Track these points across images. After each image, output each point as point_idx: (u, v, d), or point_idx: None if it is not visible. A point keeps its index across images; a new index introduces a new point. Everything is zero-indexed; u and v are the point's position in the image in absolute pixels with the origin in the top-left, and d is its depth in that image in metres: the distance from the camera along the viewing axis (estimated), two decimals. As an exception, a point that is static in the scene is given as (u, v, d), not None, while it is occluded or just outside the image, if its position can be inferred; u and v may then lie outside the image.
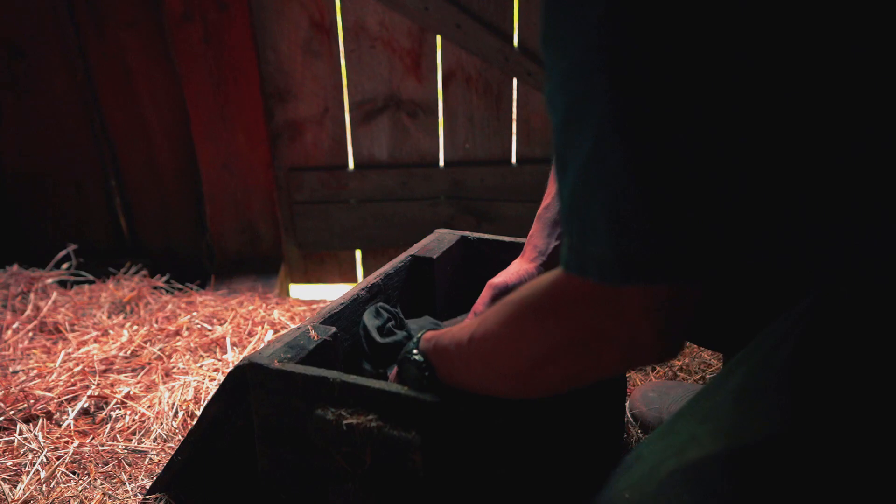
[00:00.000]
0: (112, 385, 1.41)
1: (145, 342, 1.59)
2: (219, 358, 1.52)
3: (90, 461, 1.19)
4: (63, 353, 1.52)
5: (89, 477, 1.15)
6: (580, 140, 0.53)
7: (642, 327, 0.56)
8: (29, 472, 1.15)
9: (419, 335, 0.83)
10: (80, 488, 1.11)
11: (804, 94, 0.49)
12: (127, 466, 1.18)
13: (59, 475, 1.15)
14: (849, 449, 0.59)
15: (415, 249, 1.17)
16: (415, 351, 0.81)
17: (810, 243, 0.54)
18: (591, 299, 0.57)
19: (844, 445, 0.59)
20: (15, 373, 1.46)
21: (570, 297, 0.59)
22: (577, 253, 0.56)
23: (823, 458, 0.60)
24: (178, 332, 1.64)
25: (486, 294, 1.04)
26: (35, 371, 1.45)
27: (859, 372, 0.59)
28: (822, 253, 0.54)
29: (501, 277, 1.05)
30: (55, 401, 1.35)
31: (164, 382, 1.43)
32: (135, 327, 1.66)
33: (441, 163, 2.12)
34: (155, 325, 1.67)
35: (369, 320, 1.03)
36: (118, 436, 1.27)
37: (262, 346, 1.37)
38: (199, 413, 1.28)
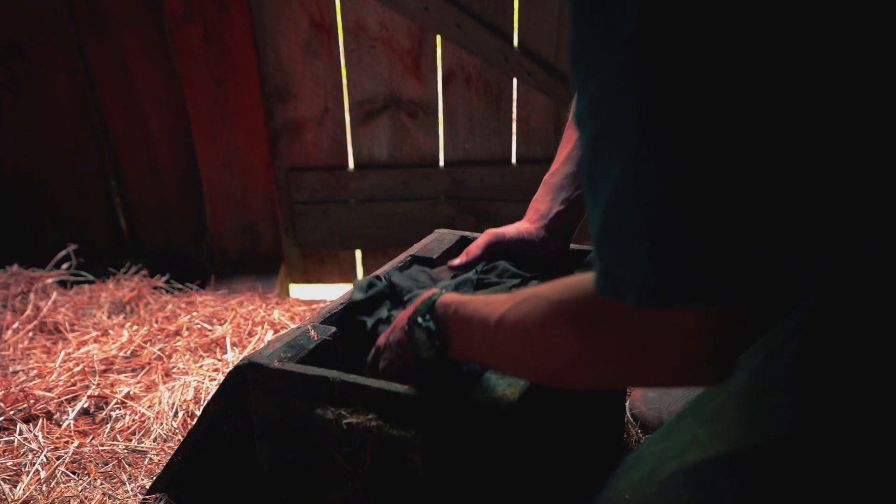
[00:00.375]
0: (112, 385, 1.42)
1: (145, 342, 1.59)
2: (219, 358, 1.52)
3: (90, 461, 1.19)
4: (63, 353, 1.53)
5: (89, 477, 1.15)
6: (611, 162, 0.52)
7: (689, 349, 0.54)
8: (29, 472, 1.15)
9: (431, 295, 0.78)
10: (80, 488, 1.11)
11: (840, 114, 0.47)
12: (127, 466, 1.18)
13: (59, 475, 1.15)
14: (853, 451, 0.59)
15: (415, 249, 1.17)
16: (427, 316, 0.77)
17: (834, 254, 0.53)
18: (631, 322, 0.56)
19: (848, 447, 0.59)
20: (15, 373, 1.46)
21: (610, 316, 0.57)
22: (611, 278, 0.54)
23: (826, 461, 0.59)
24: (178, 332, 1.64)
25: (481, 240, 1.05)
26: (35, 371, 1.45)
27: (863, 373, 0.59)
28: (838, 259, 0.54)
29: (500, 229, 1.05)
30: (55, 401, 1.35)
31: (164, 382, 1.43)
32: (135, 327, 1.66)
33: (441, 163, 2.12)
34: (155, 325, 1.67)
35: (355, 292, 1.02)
36: (118, 436, 1.27)
37: (262, 345, 1.37)
38: (199, 413, 1.28)
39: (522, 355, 0.68)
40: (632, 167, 0.50)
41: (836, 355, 0.61)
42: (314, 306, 1.84)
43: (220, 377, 1.43)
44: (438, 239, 1.22)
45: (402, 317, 0.85)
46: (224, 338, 1.60)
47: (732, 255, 0.50)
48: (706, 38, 0.46)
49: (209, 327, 1.66)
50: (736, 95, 0.46)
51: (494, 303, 0.70)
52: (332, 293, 2.27)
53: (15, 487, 1.12)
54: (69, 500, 1.09)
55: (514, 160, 2.10)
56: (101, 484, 1.13)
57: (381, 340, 0.91)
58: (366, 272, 2.27)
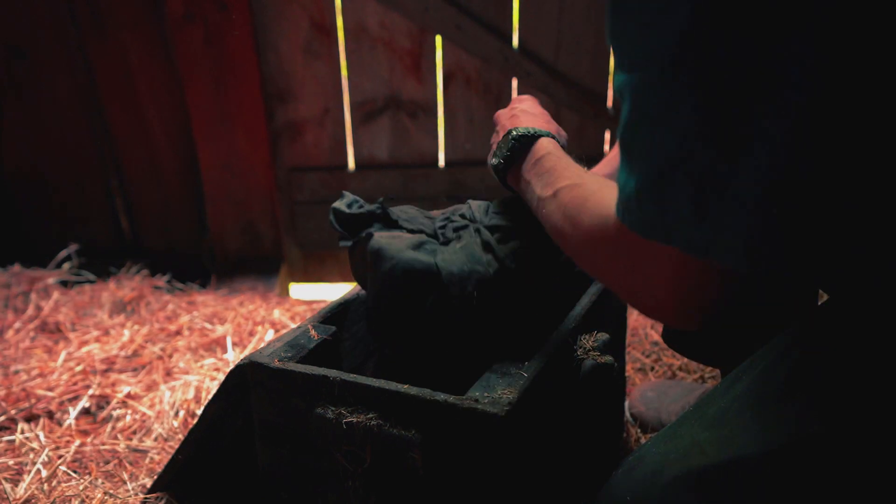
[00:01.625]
0: (113, 384, 1.42)
1: (146, 342, 1.59)
2: (219, 357, 1.53)
3: (91, 460, 1.20)
4: (64, 352, 1.53)
5: (90, 476, 1.16)
6: (654, 129, 0.57)
7: (665, 284, 0.61)
8: (30, 471, 1.16)
9: (539, 130, 0.89)
10: (81, 487, 1.12)
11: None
12: (128, 465, 1.19)
13: (60, 474, 1.16)
14: (860, 460, 0.59)
15: None
16: (517, 136, 0.89)
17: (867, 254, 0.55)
18: (636, 248, 0.62)
19: (855, 456, 0.59)
20: (16, 372, 1.46)
21: (619, 242, 0.65)
22: (658, 226, 0.59)
23: (832, 470, 0.59)
24: (178, 332, 1.65)
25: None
26: (36, 370, 1.46)
27: (870, 381, 0.59)
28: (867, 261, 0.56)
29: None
30: (56, 400, 1.36)
31: (165, 382, 1.43)
32: (136, 327, 1.67)
33: (441, 163, 2.12)
34: (156, 325, 1.67)
35: (338, 203, 1.02)
36: (119, 435, 1.27)
37: (262, 345, 1.37)
38: (199, 412, 1.29)
39: (556, 230, 0.77)
40: (680, 136, 0.55)
41: (842, 362, 0.61)
42: (314, 306, 1.84)
43: (221, 377, 1.43)
44: None
45: (504, 121, 0.96)
46: (225, 337, 1.61)
47: (773, 230, 0.54)
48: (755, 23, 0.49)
49: (210, 327, 1.67)
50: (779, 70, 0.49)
51: (557, 175, 0.80)
52: (333, 293, 2.27)
53: (16, 486, 1.12)
54: (70, 499, 1.09)
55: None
56: (103, 483, 1.14)
57: (498, 117, 1.00)
58: (366, 272, 2.27)
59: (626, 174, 0.62)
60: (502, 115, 0.99)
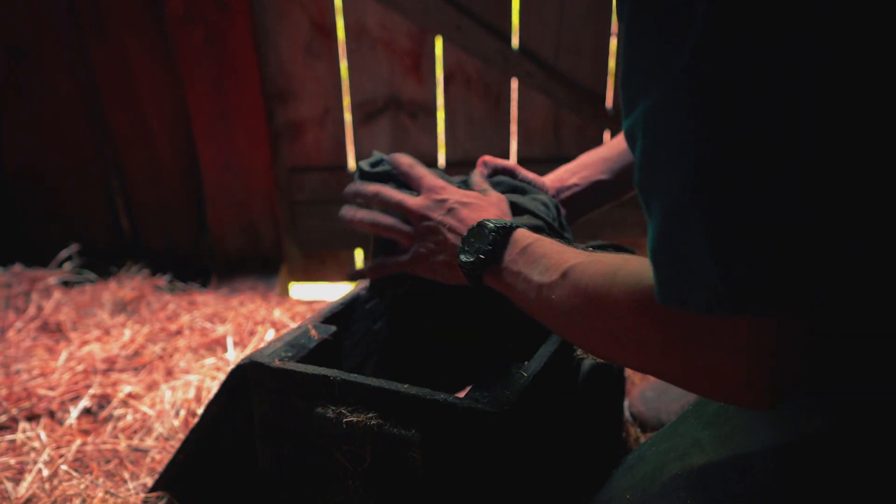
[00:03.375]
0: (114, 384, 1.42)
1: (147, 341, 1.60)
2: (220, 357, 1.53)
3: (92, 459, 1.20)
4: (65, 352, 1.53)
5: (91, 475, 1.16)
6: (670, 174, 0.51)
7: (743, 361, 0.53)
8: (32, 470, 1.16)
9: (510, 222, 0.81)
10: (82, 486, 1.12)
11: None
12: (129, 465, 1.19)
13: (61, 473, 1.16)
14: (858, 458, 0.59)
15: None
16: (496, 227, 0.79)
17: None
18: (688, 325, 0.54)
19: (854, 454, 0.59)
20: (18, 372, 1.46)
21: (670, 317, 0.55)
22: (675, 287, 0.53)
23: (831, 467, 0.60)
24: (179, 332, 1.65)
25: (502, 162, 1.05)
26: (38, 370, 1.46)
27: (867, 379, 0.59)
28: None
29: (522, 170, 1.06)
30: (57, 400, 1.36)
31: (166, 381, 1.44)
32: (137, 326, 1.67)
33: (441, 163, 2.13)
34: (157, 325, 1.68)
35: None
36: (120, 434, 1.28)
37: (262, 345, 1.38)
38: (200, 412, 1.29)
39: (572, 322, 0.67)
40: (693, 179, 0.50)
41: (841, 362, 0.61)
42: (314, 306, 1.84)
43: (222, 376, 1.43)
44: None
45: (457, 217, 0.87)
46: (225, 337, 1.61)
47: (804, 264, 0.48)
48: (770, 50, 0.45)
49: (210, 326, 1.67)
50: (801, 107, 0.46)
51: (560, 258, 0.70)
52: (333, 293, 2.27)
53: (18, 486, 1.13)
54: (71, 499, 1.10)
55: (513, 161, 2.11)
56: (104, 482, 1.14)
57: (404, 224, 0.92)
58: (366, 272, 2.28)
59: (650, 229, 0.55)
60: (430, 211, 0.89)
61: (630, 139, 0.56)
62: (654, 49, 0.51)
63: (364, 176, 1.03)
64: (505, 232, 0.80)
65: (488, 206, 0.89)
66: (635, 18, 0.53)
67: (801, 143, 0.46)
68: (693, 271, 0.51)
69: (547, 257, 0.73)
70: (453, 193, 0.91)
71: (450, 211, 0.89)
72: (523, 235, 0.80)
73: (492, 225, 0.80)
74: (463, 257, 0.82)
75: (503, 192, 0.98)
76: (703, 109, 0.49)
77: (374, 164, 1.03)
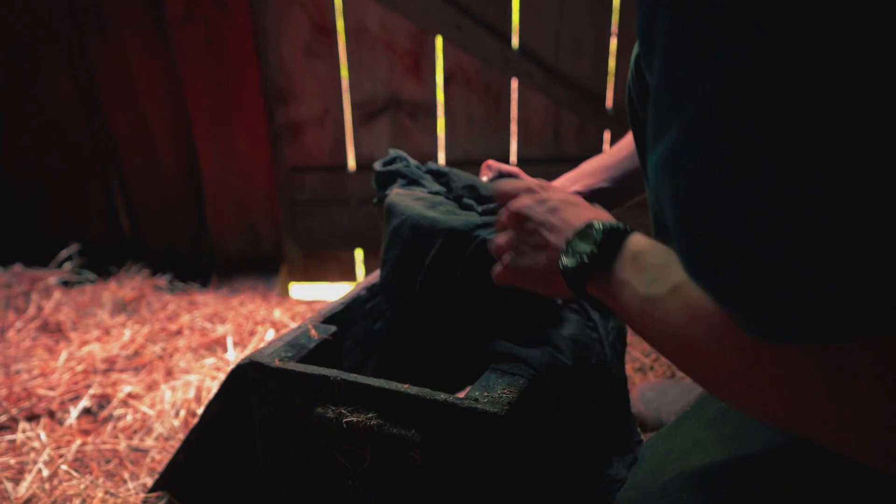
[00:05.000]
0: (114, 384, 1.42)
1: (147, 341, 1.60)
2: (220, 357, 1.53)
3: (92, 459, 1.20)
4: (65, 352, 1.53)
5: (91, 475, 1.16)
6: (721, 200, 0.45)
7: (872, 393, 0.45)
8: (32, 470, 1.16)
9: (621, 225, 0.70)
10: (82, 486, 1.12)
11: None
12: (129, 465, 1.19)
13: (61, 473, 1.16)
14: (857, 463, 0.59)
15: None
16: (605, 229, 0.69)
17: None
18: (806, 357, 0.47)
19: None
20: (18, 372, 1.46)
21: (804, 357, 0.48)
22: (760, 321, 0.47)
23: (831, 468, 0.59)
24: (179, 332, 1.65)
25: (514, 169, 1.02)
26: (38, 370, 1.46)
27: None
28: None
29: (504, 166, 1.04)
30: (57, 400, 1.36)
31: (166, 381, 1.44)
32: (137, 326, 1.67)
33: (441, 163, 2.12)
34: (157, 325, 1.68)
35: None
36: (120, 434, 1.28)
37: (262, 345, 1.38)
38: (200, 412, 1.29)
39: (682, 339, 0.59)
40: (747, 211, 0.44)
41: None
42: (314, 306, 1.85)
43: (222, 376, 1.43)
44: None
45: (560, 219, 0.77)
46: (225, 337, 1.61)
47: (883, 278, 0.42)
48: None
49: (210, 326, 1.67)
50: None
51: (666, 272, 0.62)
52: (333, 293, 2.27)
53: (18, 486, 1.13)
54: (71, 499, 1.10)
55: (513, 161, 2.11)
56: (104, 482, 1.14)
57: (501, 238, 0.83)
58: (367, 272, 2.28)
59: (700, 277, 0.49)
60: (535, 209, 0.79)
61: (656, 178, 0.50)
62: (676, 93, 0.46)
63: (377, 176, 1.05)
64: (616, 235, 0.69)
65: (583, 207, 0.78)
66: (669, 39, 0.47)
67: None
68: (776, 301, 0.45)
69: (656, 268, 0.64)
70: (555, 192, 0.81)
71: (552, 210, 0.78)
72: (637, 241, 0.68)
73: (599, 226, 0.70)
74: (565, 260, 0.72)
75: None
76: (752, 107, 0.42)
77: (386, 163, 1.05)
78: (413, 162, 1.09)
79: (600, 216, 0.75)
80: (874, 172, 0.40)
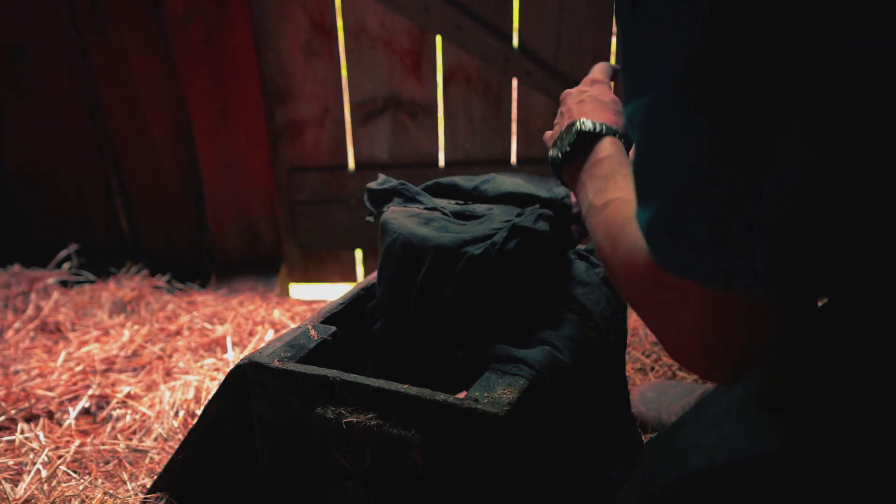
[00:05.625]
0: (113, 384, 1.42)
1: (146, 342, 1.59)
2: (219, 357, 1.53)
3: (91, 460, 1.20)
4: (64, 352, 1.53)
5: (90, 476, 1.16)
6: (673, 164, 0.54)
7: (689, 329, 0.57)
8: (30, 471, 1.16)
9: (609, 127, 0.82)
10: (81, 487, 1.12)
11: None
12: (128, 465, 1.19)
13: (60, 474, 1.16)
14: (857, 460, 0.59)
15: None
16: (580, 131, 0.81)
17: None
18: (671, 290, 0.58)
19: (851, 459, 0.59)
20: (16, 372, 1.46)
21: (654, 281, 0.60)
22: (670, 257, 0.57)
23: (830, 470, 0.59)
24: (178, 332, 1.65)
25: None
26: (36, 370, 1.46)
27: (866, 381, 0.59)
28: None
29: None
30: (56, 400, 1.36)
31: (165, 382, 1.43)
32: (136, 327, 1.67)
33: (441, 163, 2.12)
34: (156, 325, 1.67)
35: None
36: (119, 435, 1.27)
37: (262, 345, 1.37)
38: (199, 412, 1.29)
39: (599, 245, 0.72)
40: (695, 168, 0.53)
41: (841, 363, 0.61)
42: (314, 306, 1.84)
43: (221, 377, 1.43)
44: None
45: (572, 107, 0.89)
46: (225, 337, 1.61)
47: (791, 249, 0.51)
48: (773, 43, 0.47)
49: (210, 327, 1.67)
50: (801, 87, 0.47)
51: (609, 183, 0.74)
52: (333, 293, 2.27)
53: (16, 486, 1.12)
54: (70, 500, 1.09)
55: (513, 160, 2.11)
56: (102, 483, 1.14)
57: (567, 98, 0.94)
58: (366, 272, 2.28)
59: (640, 207, 0.59)
60: (570, 96, 0.93)
61: (629, 124, 0.59)
62: (653, 49, 0.53)
63: (371, 194, 1.09)
64: (590, 138, 0.80)
65: (603, 106, 0.88)
66: (635, 12, 0.54)
67: (803, 130, 0.48)
68: (690, 247, 0.55)
69: (605, 178, 0.75)
70: (599, 90, 0.92)
71: (580, 102, 0.90)
72: (604, 148, 0.79)
73: (579, 127, 0.81)
74: (551, 152, 0.85)
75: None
76: (700, 110, 0.50)
77: (381, 183, 1.10)
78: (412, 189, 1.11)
79: (606, 118, 0.84)
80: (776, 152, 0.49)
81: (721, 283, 0.54)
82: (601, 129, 0.81)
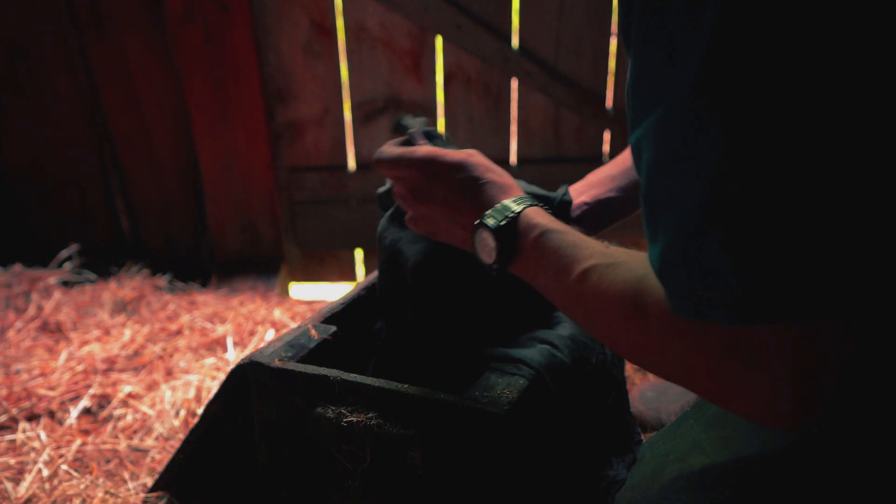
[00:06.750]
0: (114, 384, 1.42)
1: (147, 341, 1.60)
2: (220, 357, 1.53)
3: (92, 459, 1.20)
4: (65, 352, 1.53)
5: (91, 475, 1.16)
6: (684, 186, 0.51)
7: (772, 379, 0.50)
8: (32, 470, 1.16)
9: (513, 202, 0.75)
10: (82, 486, 1.12)
11: None
12: (129, 465, 1.19)
13: (61, 473, 1.16)
14: (857, 463, 0.59)
15: None
16: (503, 224, 0.73)
17: None
18: (714, 342, 0.52)
19: (853, 459, 0.59)
20: (18, 372, 1.46)
21: (688, 330, 0.54)
22: (692, 299, 0.52)
23: (829, 469, 0.59)
24: (179, 332, 1.65)
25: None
26: (38, 370, 1.46)
27: (865, 382, 0.59)
28: None
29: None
30: (57, 399, 1.36)
31: (166, 381, 1.44)
32: (137, 326, 1.67)
33: (441, 163, 2.12)
34: (157, 325, 1.68)
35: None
36: (120, 434, 1.28)
37: (262, 345, 1.38)
38: (200, 412, 1.29)
39: (594, 320, 0.65)
40: (708, 189, 0.49)
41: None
42: (314, 306, 1.84)
43: (222, 376, 1.43)
44: None
45: (462, 198, 0.80)
46: (225, 337, 1.61)
47: (825, 267, 0.47)
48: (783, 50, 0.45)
49: (210, 326, 1.67)
50: (816, 105, 0.45)
51: (577, 253, 0.67)
52: (333, 293, 2.27)
53: (18, 486, 1.13)
54: (71, 499, 1.10)
55: (513, 161, 2.11)
56: (104, 482, 1.14)
57: (405, 204, 0.87)
58: (366, 272, 2.28)
59: (652, 244, 0.54)
60: (473, 172, 0.84)
61: (636, 152, 0.55)
62: (662, 60, 0.50)
63: (380, 197, 1.03)
64: (508, 229, 0.74)
65: (489, 182, 0.81)
66: (641, 29, 0.52)
67: (819, 143, 0.45)
68: (709, 281, 0.50)
69: (560, 253, 0.68)
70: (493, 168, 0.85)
71: (447, 209, 0.83)
72: (528, 223, 0.73)
73: (491, 224, 0.74)
74: (485, 261, 0.76)
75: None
76: (716, 116, 0.48)
77: (388, 188, 1.05)
78: (419, 126, 1.07)
79: (499, 197, 0.77)
80: (809, 174, 0.45)
81: (749, 313, 0.48)
82: (511, 212, 0.74)
